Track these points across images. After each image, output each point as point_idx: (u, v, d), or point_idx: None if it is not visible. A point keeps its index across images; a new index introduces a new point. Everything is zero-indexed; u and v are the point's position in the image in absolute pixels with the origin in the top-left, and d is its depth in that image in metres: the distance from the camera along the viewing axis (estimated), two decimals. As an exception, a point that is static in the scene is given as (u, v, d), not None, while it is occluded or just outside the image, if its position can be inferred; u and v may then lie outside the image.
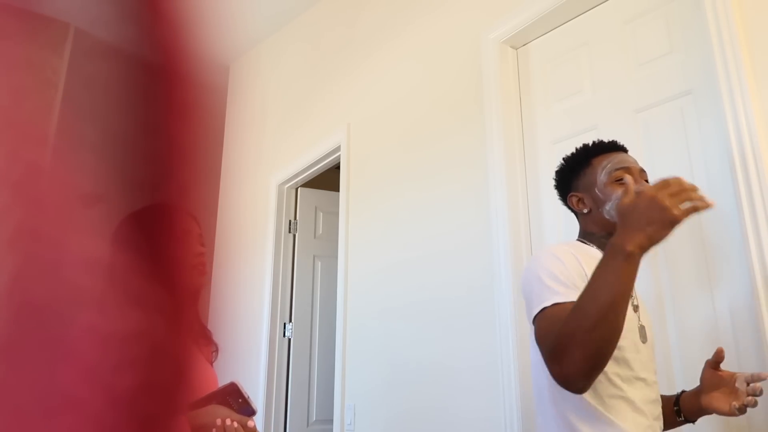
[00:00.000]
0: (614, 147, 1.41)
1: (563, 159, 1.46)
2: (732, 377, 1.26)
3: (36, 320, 0.33)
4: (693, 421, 1.35)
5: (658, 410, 1.26)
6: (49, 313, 0.33)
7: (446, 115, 2.43)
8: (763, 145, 1.49)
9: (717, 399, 1.27)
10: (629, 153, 1.43)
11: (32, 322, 0.33)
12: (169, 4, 0.40)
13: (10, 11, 0.37)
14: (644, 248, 1.06)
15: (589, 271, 1.23)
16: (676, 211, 1.04)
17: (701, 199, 1.07)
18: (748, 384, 1.22)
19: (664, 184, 1.08)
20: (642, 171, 1.38)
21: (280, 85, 3.64)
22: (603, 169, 1.35)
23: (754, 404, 1.21)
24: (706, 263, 1.62)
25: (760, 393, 1.21)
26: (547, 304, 1.16)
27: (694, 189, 1.08)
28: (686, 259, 1.66)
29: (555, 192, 1.47)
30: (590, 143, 1.43)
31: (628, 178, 1.19)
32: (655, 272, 1.72)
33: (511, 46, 2.28)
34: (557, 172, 1.46)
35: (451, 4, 2.54)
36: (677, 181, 1.08)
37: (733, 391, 1.25)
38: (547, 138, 2.12)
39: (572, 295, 1.14)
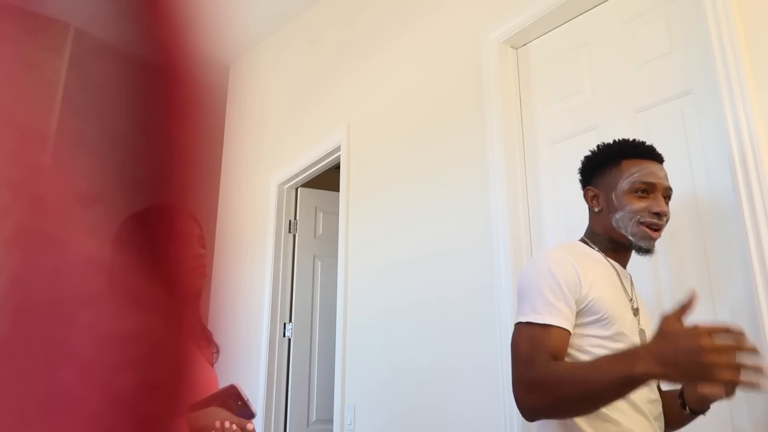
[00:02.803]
0: (650, 155, 1.32)
1: (597, 146, 1.38)
2: None
3: (36, 320, 0.33)
4: (703, 412, 1.27)
5: (657, 410, 1.26)
6: (49, 313, 0.33)
7: (446, 115, 2.43)
8: (763, 145, 1.49)
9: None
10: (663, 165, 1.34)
11: (32, 322, 0.33)
12: (169, 4, 0.40)
13: (10, 11, 0.37)
14: (653, 378, 0.97)
15: (585, 275, 1.22)
16: (712, 373, 0.90)
17: (754, 372, 0.90)
18: None
19: (724, 331, 0.93)
20: (667, 188, 1.31)
21: (280, 85, 3.64)
22: (629, 176, 1.28)
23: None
24: (706, 264, 1.62)
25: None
26: (523, 320, 1.19)
27: (754, 350, 0.92)
28: (686, 259, 1.66)
29: (555, 192, 1.46)
30: (628, 141, 1.34)
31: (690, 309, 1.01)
32: (655, 272, 1.72)
33: (511, 46, 2.28)
34: (586, 158, 1.39)
35: (451, 4, 2.54)
36: (734, 343, 0.92)
37: None
38: (547, 138, 2.12)
39: (550, 319, 1.16)
